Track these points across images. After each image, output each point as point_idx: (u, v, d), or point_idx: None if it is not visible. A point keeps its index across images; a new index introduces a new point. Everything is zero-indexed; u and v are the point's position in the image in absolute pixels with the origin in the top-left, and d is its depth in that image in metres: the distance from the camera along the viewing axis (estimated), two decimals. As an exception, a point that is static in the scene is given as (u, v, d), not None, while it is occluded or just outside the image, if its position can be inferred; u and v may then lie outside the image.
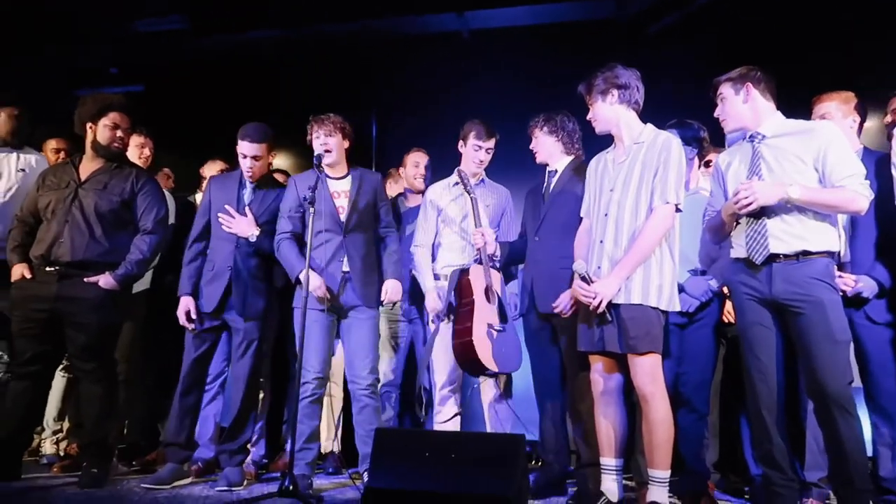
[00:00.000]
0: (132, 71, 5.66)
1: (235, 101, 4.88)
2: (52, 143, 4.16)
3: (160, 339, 3.81)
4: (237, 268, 3.31)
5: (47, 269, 3.21)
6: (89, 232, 3.23)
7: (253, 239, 3.29)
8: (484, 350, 3.16)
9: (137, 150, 3.99)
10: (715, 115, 2.81)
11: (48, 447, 3.96)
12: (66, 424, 3.99)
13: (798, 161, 2.57)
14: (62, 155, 4.10)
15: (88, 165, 3.37)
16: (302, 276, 3.06)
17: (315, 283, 3.16)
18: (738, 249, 2.68)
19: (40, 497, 2.92)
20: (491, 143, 3.51)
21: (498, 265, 3.38)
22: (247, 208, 3.35)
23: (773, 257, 2.57)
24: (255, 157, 3.36)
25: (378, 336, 3.37)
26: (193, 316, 3.32)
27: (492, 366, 3.19)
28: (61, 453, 3.92)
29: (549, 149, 3.29)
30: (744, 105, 2.72)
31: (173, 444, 3.34)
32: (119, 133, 3.35)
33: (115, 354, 3.45)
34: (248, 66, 5.38)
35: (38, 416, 3.59)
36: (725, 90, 2.76)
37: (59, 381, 3.91)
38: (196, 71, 5.48)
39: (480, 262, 3.26)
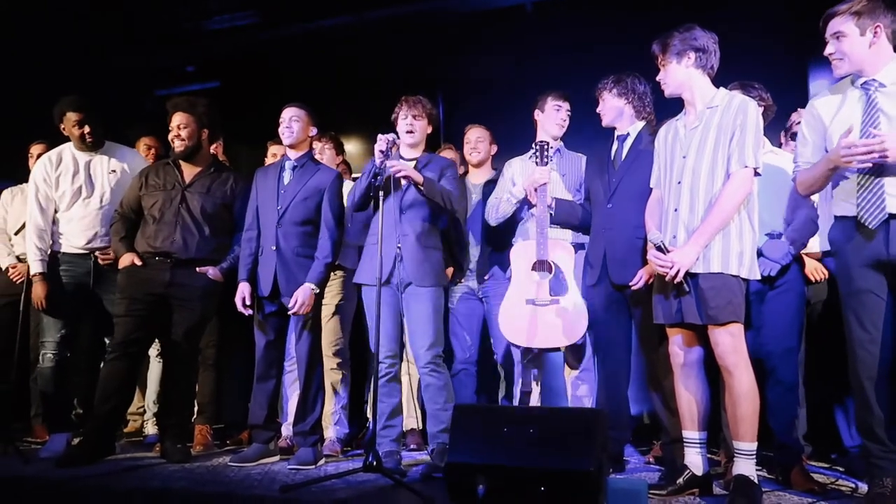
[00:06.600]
0: (207, 68, 5.86)
1: (306, 91, 4.97)
2: (144, 141, 4.36)
3: (248, 325, 3.98)
4: (280, 248, 3.34)
5: (157, 258, 3.43)
6: (199, 232, 3.46)
7: (317, 291, 3.31)
8: (509, 325, 3.22)
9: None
10: (826, 53, 2.46)
11: (150, 428, 4.19)
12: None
13: None
14: (153, 152, 4.32)
15: (189, 169, 3.57)
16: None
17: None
18: (845, 207, 2.45)
19: (147, 474, 3.08)
20: (568, 105, 3.51)
21: (552, 214, 3.29)
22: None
23: (890, 216, 2.35)
24: (292, 120, 3.41)
25: (438, 313, 3.27)
26: (248, 302, 3.37)
27: (518, 341, 3.22)
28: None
29: (617, 112, 3.19)
30: (868, 48, 2.40)
31: (256, 425, 3.47)
32: (174, 132, 3.51)
33: (206, 340, 3.76)
34: (315, 55, 5.46)
35: (130, 396, 3.73)
36: (847, 27, 2.40)
37: (156, 366, 4.16)
38: (269, 64, 5.62)
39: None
